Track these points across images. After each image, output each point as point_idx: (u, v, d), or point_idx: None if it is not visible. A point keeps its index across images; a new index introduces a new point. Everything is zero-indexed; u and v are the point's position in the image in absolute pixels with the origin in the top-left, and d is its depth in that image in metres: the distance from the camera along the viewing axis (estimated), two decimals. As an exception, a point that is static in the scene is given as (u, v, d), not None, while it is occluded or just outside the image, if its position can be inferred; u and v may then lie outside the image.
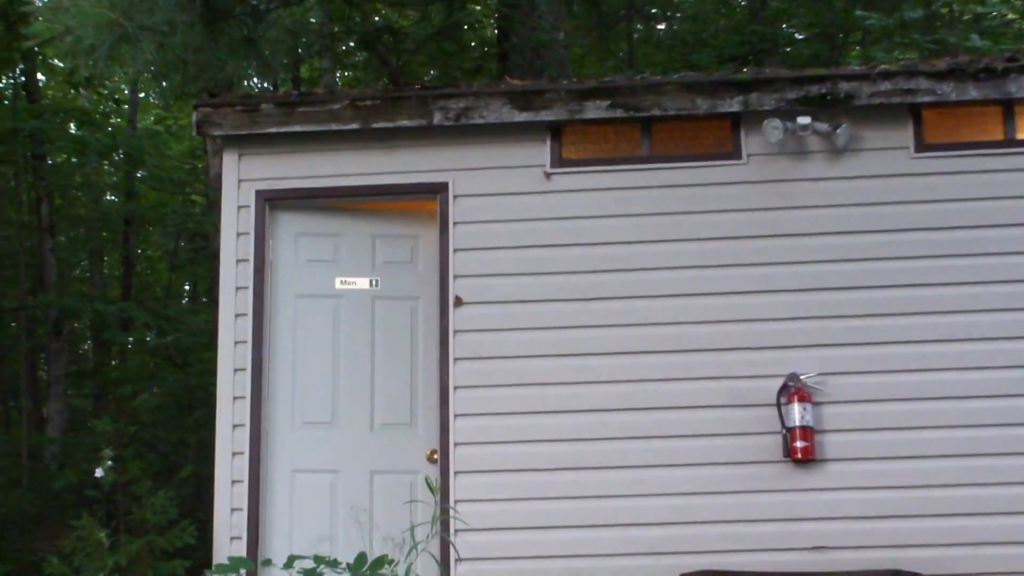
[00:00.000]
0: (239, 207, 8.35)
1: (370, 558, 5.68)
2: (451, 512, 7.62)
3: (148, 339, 19.68)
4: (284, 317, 8.36)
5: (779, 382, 7.80)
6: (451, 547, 7.58)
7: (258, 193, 8.35)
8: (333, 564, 5.62)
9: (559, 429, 7.91)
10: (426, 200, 8.40)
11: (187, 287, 25.54)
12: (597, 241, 8.13)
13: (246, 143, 8.41)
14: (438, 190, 8.29)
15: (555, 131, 8.30)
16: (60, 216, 20.05)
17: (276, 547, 7.95)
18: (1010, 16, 18.24)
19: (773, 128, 8.00)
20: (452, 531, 7.66)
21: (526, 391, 7.98)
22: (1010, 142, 8.15)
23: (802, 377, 7.79)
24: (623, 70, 17.61)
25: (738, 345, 7.94)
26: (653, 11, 19.25)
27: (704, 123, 8.31)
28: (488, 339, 8.07)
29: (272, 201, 8.38)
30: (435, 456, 8.09)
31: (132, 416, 16.83)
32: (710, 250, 8.08)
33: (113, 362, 22.19)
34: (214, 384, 8.24)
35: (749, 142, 8.21)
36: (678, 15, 20.37)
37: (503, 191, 8.26)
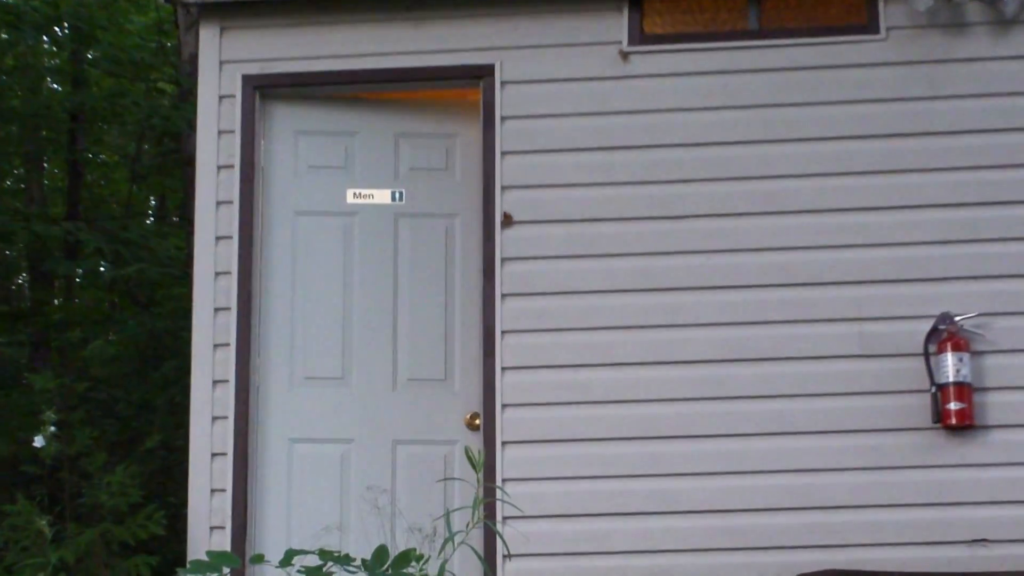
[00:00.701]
0: (221, 97, 8.38)
1: (392, 553, 5.70)
2: (498, 494, 7.63)
3: (102, 269, 19.78)
4: (280, 241, 8.41)
5: (928, 324, 7.78)
6: (498, 539, 7.60)
7: (246, 79, 8.37)
8: (344, 561, 5.63)
9: (639, 386, 7.93)
10: (466, 88, 8.43)
11: (153, 202, 25.62)
12: (690, 141, 8.12)
13: (230, 13, 8.42)
14: (481, 74, 8.30)
15: (634, -3, 8.29)
16: (-15, 110, 20.15)
17: (269, 539, 8.05)
18: None
19: (922, -8, 7.96)
20: (499, 519, 7.68)
21: (595, 337, 7.99)
22: None
23: (957, 319, 7.75)
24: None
25: (874, 277, 7.92)
26: None
27: (831, -14, 8.29)
28: (546, 269, 8.09)
29: (264, 89, 8.41)
30: (477, 421, 8.14)
31: (81, 370, 17.00)
32: (837, 152, 8.05)
33: (56, 300, 22.31)
34: (188, 328, 8.32)
35: (889, 12, 8.16)
36: None
37: (566, 76, 8.26)
